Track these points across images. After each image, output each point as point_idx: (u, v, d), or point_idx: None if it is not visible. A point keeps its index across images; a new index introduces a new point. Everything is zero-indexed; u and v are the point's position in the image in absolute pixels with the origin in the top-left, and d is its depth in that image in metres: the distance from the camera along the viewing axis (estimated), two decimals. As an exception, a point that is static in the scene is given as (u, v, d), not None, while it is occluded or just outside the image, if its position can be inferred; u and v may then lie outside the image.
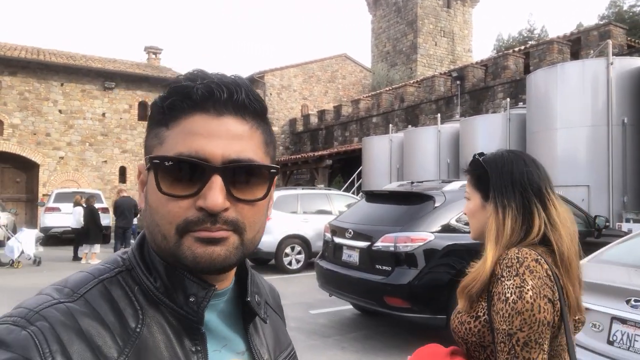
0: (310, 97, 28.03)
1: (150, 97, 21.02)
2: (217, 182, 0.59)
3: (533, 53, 14.41)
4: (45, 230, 13.52)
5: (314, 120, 25.04)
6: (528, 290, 1.11)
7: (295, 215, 9.84)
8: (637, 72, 8.98)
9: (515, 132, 10.92)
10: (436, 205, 4.79)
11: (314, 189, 11.70)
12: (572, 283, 1.19)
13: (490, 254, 1.21)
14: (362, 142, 16.23)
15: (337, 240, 5.40)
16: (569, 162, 9.05)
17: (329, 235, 5.60)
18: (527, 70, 15.07)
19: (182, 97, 0.62)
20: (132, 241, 12.28)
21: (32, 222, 17.79)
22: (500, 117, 11.36)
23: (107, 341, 0.56)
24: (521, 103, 13.37)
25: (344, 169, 19.77)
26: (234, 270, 0.71)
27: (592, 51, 12.95)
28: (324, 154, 18.27)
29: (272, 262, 9.87)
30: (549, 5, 73.76)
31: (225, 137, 0.61)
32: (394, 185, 6.19)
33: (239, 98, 0.63)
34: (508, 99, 11.48)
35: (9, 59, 18.34)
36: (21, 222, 16.81)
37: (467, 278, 1.23)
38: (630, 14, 38.40)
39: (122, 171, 20.15)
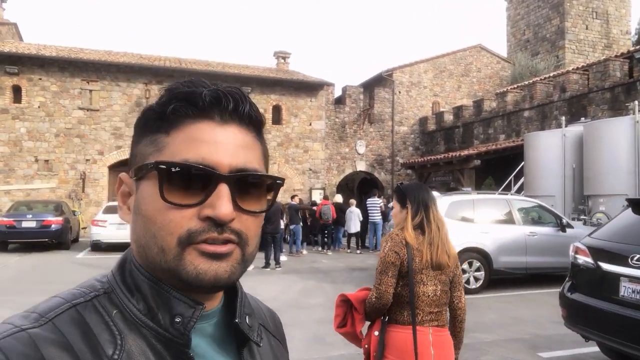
0: (441, 93, 26.18)
1: (284, 101, 20.93)
2: (225, 190, 0.58)
3: None
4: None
5: (448, 117, 23.17)
6: (386, 247, 2.29)
7: (472, 224, 8.39)
8: None
9: None
10: None
11: (491, 193, 10.14)
12: (431, 249, 2.27)
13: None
14: (524, 138, 14.17)
15: (607, 267, 3.91)
16: None
17: (588, 260, 4.13)
18: None
19: (187, 103, 0.59)
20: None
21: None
22: None
23: None
24: None
25: (488, 170, 17.73)
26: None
27: None
28: (472, 153, 16.46)
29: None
30: None
31: (231, 146, 0.60)
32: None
33: (244, 108, 0.62)
34: None
35: (156, 68, 19.28)
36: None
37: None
38: None
39: (257, 174, 20.21)
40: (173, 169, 0.57)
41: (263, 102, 20.56)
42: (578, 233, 8.77)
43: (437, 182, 20.13)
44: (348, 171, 23.55)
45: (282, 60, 24.83)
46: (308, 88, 21.48)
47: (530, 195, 12.09)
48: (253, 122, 0.64)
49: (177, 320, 0.58)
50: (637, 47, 16.18)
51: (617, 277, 3.81)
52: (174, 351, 0.58)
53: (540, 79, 19.59)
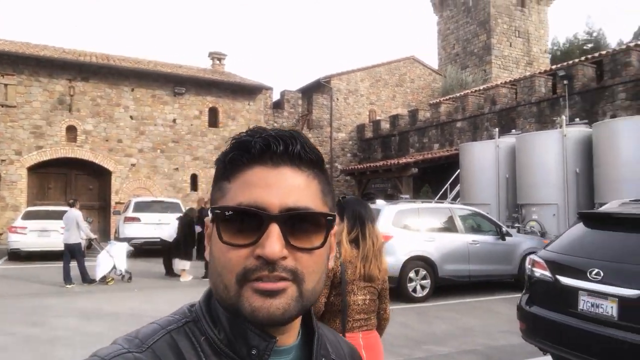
0: (377, 101, 26.72)
1: (220, 103, 20.35)
2: (274, 230, 0.61)
3: (667, 46, 12.50)
4: (125, 241, 12.74)
5: (384, 126, 23.66)
6: None
7: (418, 233, 8.48)
8: None
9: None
10: None
11: (437, 202, 10.31)
12: (365, 263, 2.42)
13: None
14: (459, 148, 14.70)
15: (566, 281, 3.99)
16: None
17: (546, 273, 4.20)
18: (653, 66, 13.16)
19: (242, 152, 0.65)
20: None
21: (105, 231, 17.27)
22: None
23: None
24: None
25: (425, 178, 18.25)
26: (297, 326, 0.70)
27: None
28: (409, 161, 16.84)
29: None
30: (606, 7, 69.45)
31: (283, 187, 0.63)
32: (615, 205, 4.73)
33: (295, 149, 0.65)
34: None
35: (81, 63, 18.02)
36: (94, 230, 16.27)
37: None
38: None
39: (194, 179, 19.44)
40: (227, 213, 0.63)
41: (198, 104, 19.86)
42: (517, 241, 9.17)
43: (375, 189, 20.44)
44: (286, 176, 23.30)
45: (218, 62, 24.15)
46: (246, 91, 21.04)
47: (467, 203, 12.54)
48: (305, 162, 0.66)
49: (253, 352, 0.63)
50: (559, 65, 17.39)
51: (575, 290, 3.89)
52: None
53: (472, 92, 20.50)
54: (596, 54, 17.36)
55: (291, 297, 0.62)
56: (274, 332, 0.64)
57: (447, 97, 23.13)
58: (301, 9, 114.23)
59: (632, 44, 16.76)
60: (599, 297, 3.72)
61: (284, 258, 0.61)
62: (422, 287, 8.25)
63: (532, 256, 4.52)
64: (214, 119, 20.25)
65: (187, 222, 10.22)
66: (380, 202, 9.22)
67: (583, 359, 3.83)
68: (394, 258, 8.02)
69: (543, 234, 10.57)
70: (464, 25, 31.43)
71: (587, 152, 10.85)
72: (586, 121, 12.29)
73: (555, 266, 4.16)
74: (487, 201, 12.52)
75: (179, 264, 9.84)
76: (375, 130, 24.09)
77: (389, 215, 8.43)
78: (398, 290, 8.10)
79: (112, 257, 9.05)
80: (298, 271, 0.62)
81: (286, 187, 0.63)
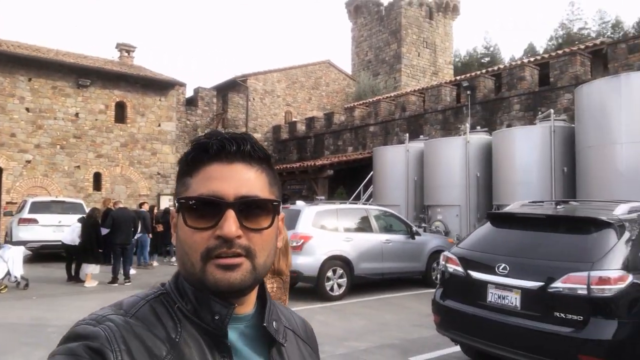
0: (294, 103, 26.91)
1: (129, 98, 19.25)
2: (230, 214, 0.73)
3: (553, 65, 13.96)
4: (20, 244, 11.60)
5: (300, 127, 23.87)
6: None
7: (336, 233, 8.68)
8: None
9: (559, 144, 10.27)
10: (623, 235, 3.83)
11: (351, 203, 10.58)
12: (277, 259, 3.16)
13: None
14: (373, 152, 15.24)
15: (476, 275, 4.32)
16: (635, 178, 8.41)
17: (458, 268, 4.52)
18: (542, 82, 14.65)
19: (201, 151, 0.77)
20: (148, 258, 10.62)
21: (-7, 233, 15.59)
22: (540, 128, 10.68)
23: (156, 344, 0.70)
24: (540, 113, 12.89)
25: (339, 180, 18.72)
26: (254, 297, 0.82)
27: (617, 64, 12.60)
28: (325, 163, 17.15)
29: (299, 285, 8.63)
30: (500, 24, 76.47)
31: (236, 180, 0.76)
32: (517, 206, 5.20)
33: (246, 149, 0.77)
34: (552, 110, 10.84)
35: (-32, 48, 16.17)
36: (-19, 234, 14.67)
37: None
38: (579, 35, 40.04)
39: (97, 177, 18.18)
40: (190, 202, 0.75)
41: (104, 98, 18.64)
42: (425, 240, 9.73)
43: (290, 190, 20.54)
44: (199, 176, 22.65)
45: (126, 54, 22.83)
46: (157, 86, 20.10)
47: (379, 204, 13.04)
48: (255, 158, 0.79)
49: (216, 317, 0.74)
50: (463, 76, 18.71)
51: (485, 284, 4.24)
52: (215, 341, 0.74)
53: (384, 98, 21.36)
54: (495, 68, 18.93)
55: (246, 270, 0.74)
56: (234, 301, 0.76)
57: (361, 102, 23.88)
58: (217, 5, 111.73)
59: (525, 60, 18.51)
60: (505, 289, 4.08)
61: (239, 237, 0.73)
62: (339, 286, 8.45)
63: (446, 253, 4.84)
64: (121, 114, 19.10)
65: (92, 224, 9.56)
66: (300, 203, 9.32)
67: (491, 347, 4.18)
68: (313, 258, 8.17)
69: (447, 233, 11.32)
70: (377, 33, 32.68)
71: (487, 157, 11.78)
72: (486, 129, 13.34)
73: (466, 262, 4.49)
74: (397, 202, 13.12)
75: (87, 268, 9.19)
76: (291, 131, 24.23)
77: (309, 216, 8.54)
78: (316, 289, 8.26)
79: (5, 262, 8.22)
80: (251, 248, 0.74)
81: (239, 180, 0.75)
